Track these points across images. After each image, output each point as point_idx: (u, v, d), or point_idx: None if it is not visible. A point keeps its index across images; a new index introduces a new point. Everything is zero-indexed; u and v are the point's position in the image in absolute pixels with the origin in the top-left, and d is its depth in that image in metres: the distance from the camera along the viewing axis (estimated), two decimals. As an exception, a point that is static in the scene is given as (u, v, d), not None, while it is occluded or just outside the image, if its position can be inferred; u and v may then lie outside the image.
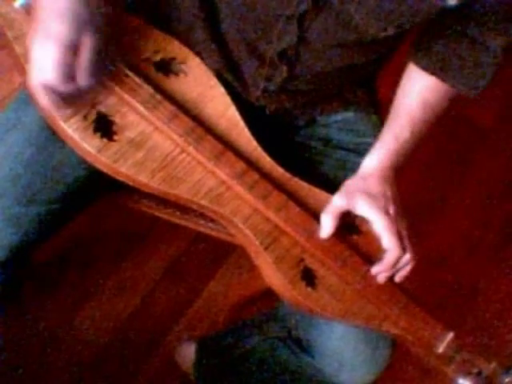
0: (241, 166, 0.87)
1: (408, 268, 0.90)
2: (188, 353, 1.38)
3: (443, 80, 0.95)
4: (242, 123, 0.90)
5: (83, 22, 0.76)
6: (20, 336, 1.39)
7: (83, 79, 0.78)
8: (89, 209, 1.02)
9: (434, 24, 0.91)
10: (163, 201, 1.04)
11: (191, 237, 1.56)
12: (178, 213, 1.12)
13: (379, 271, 0.89)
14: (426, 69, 0.95)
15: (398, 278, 0.91)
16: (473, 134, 1.92)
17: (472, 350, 0.92)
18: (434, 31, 0.93)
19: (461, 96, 0.98)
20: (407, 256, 0.90)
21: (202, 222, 1.12)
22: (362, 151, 1.04)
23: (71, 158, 0.90)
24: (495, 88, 0.98)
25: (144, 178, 0.84)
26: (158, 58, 0.89)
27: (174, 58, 0.90)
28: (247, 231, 0.86)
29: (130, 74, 0.85)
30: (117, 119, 0.85)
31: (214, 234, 1.13)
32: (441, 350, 0.91)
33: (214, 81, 0.91)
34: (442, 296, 1.62)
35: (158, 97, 0.86)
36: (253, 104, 0.98)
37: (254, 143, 0.90)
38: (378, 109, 1.10)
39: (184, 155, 0.86)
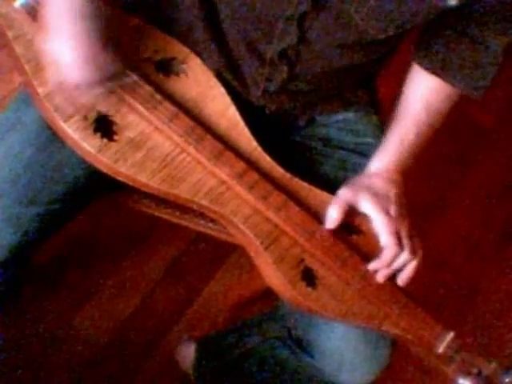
0: (241, 166, 0.87)
1: (410, 269, 0.90)
2: (188, 353, 1.38)
3: (444, 80, 0.95)
4: (242, 123, 0.90)
5: (96, 20, 0.79)
6: (20, 336, 1.38)
7: (106, 68, 0.81)
8: (89, 209, 1.02)
9: (434, 24, 0.91)
10: (163, 201, 1.04)
11: (191, 237, 1.56)
12: (177, 213, 1.12)
13: (375, 267, 0.89)
14: (427, 68, 0.96)
15: (400, 281, 0.91)
16: (473, 134, 1.92)
17: (472, 349, 0.92)
18: (434, 31, 0.93)
19: (463, 97, 0.98)
20: (405, 255, 0.90)
21: (202, 222, 1.12)
22: (362, 151, 1.04)
23: (71, 158, 0.90)
24: (495, 88, 0.98)
25: (144, 178, 0.84)
26: (158, 57, 0.89)
27: (174, 58, 0.90)
28: (247, 231, 0.86)
29: (130, 73, 0.85)
30: (117, 119, 0.85)
31: (214, 234, 1.13)
32: (441, 350, 0.91)
33: (214, 81, 0.91)
34: (442, 296, 1.62)
35: (158, 97, 0.86)
36: (253, 104, 0.98)
37: (254, 143, 0.90)
38: (378, 109, 1.10)
39: (184, 155, 0.86)
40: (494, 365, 0.92)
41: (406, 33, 0.90)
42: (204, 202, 0.86)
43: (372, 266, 0.89)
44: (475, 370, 0.91)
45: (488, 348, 1.56)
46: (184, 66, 0.90)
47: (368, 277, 0.89)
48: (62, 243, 1.44)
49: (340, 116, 1.07)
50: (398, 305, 0.90)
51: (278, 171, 0.90)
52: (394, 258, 0.89)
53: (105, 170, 0.85)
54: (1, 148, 0.93)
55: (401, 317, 0.90)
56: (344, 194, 0.91)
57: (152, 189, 0.85)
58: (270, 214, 0.87)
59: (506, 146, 1.92)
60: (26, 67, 0.84)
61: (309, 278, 0.87)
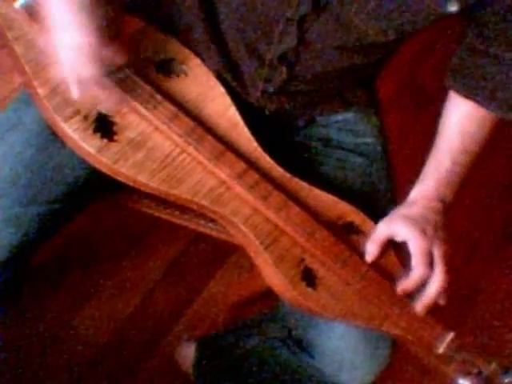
0: (241, 166, 0.87)
1: (436, 291, 0.89)
2: (188, 353, 1.38)
3: (479, 103, 0.94)
4: (242, 123, 0.90)
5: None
6: (20, 336, 1.38)
7: (118, 56, 0.82)
8: (89, 209, 1.02)
9: (464, 47, 0.91)
10: (163, 201, 1.04)
11: (191, 237, 1.56)
12: (177, 213, 1.12)
13: (403, 288, 0.89)
14: (460, 92, 0.94)
15: (417, 308, 0.90)
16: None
17: (472, 350, 0.92)
18: (464, 54, 0.92)
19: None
20: (436, 278, 0.89)
21: (202, 222, 1.12)
22: (361, 151, 1.04)
23: (71, 158, 0.90)
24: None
25: (144, 179, 0.84)
26: (158, 58, 0.89)
27: (174, 59, 0.90)
28: (247, 231, 0.86)
29: (131, 73, 0.85)
30: (117, 119, 0.85)
31: (213, 234, 1.13)
32: (441, 350, 0.91)
33: (214, 81, 0.91)
34: (442, 296, 1.62)
35: (159, 97, 0.86)
36: (252, 104, 0.98)
37: (254, 143, 0.90)
38: (378, 109, 1.10)
39: (184, 155, 0.86)
40: (493, 365, 0.91)
41: (406, 36, 0.90)
42: (204, 202, 0.86)
43: (400, 286, 0.89)
44: (475, 370, 0.91)
45: (488, 348, 1.55)
46: (184, 67, 0.90)
47: (368, 277, 0.89)
48: (62, 243, 1.44)
49: (340, 116, 1.07)
50: (398, 305, 0.90)
51: (278, 171, 0.90)
52: (421, 279, 0.88)
53: (105, 171, 0.85)
54: (1, 148, 0.93)
55: (401, 317, 0.90)
56: (381, 228, 0.91)
57: (152, 189, 0.85)
58: (270, 214, 0.87)
59: (506, 146, 1.92)
60: (26, 67, 0.84)
61: (309, 278, 0.87)
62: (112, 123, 0.84)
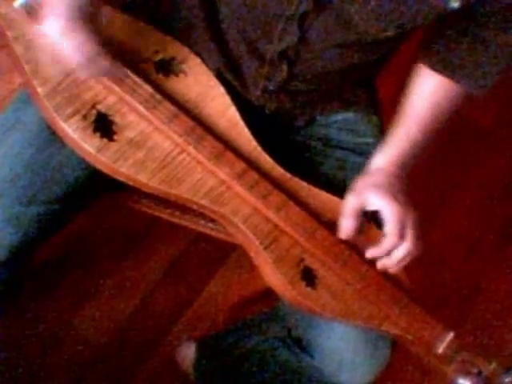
0: (241, 165, 0.87)
1: (407, 259, 0.90)
2: (188, 353, 1.38)
3: (455, 80, 0.95)
4: (241, 123, 0.90)
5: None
6: (20, 336, 1.38)
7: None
8: (89, 209, 1.02)
9: (444, 24, 0.91)
10: (163, 201, 1.04)
11: (191, 237, 1.56)
12: (177, 213, 1.12)
13: (374, 255, 0.89)
14: (433, 67, 0.95)
15: (392, 269, 0.90)
16: (473, 134, 1.92)
17: (472, 349, 0.92)
18: (444, 32, 0.93)
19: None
20: (405, 245, 0.89)
21: (202, 221, 1.12)
22: (361, 151, 1.04)
23: (71, 158, 0.90)
24: (495, 89, 0.98)
25: (144, 178, 0.84)
26: (158, 58, 0.89)
27: (174, 58, 0.90)
28: (247, 231, 0.86)
29: (130, 73, 0.85)
30: (117, 119, 0.85)
31: (213, 234, 1.13)
32: (441, 350, 0.91)
33: (214, 81, 0.91)
34: (442, 296, 1.62)
35: (158, 97, 0.86)
36: (253, 104, 0.98)
37: (254, 143, 0.90)
38: (378, 109, 1.10)
39: (184, 155, 0.86)
40: (494, 365, 0.92)
41: (406, 33, 0.90)
42: (204, 202, 0.86)
43: (370, 252, 0.89)
44: (475, 370, 0.91)
45: (488, 348, 1.55)
46: (184, 66, 0.90)
47: (368, 277, 0.89)
48: (61, 243, 1.44)
49: (340, 116, 1.07)
50: (398, 305, 0.90)
51: (278, 171, 0.90)
52: (393, 246, 0.89)
53: (105, 170, 0.85)
54: (1, 148, 0.93)
55: (401, 317, 0.90)
56: (350, 200, 0.90)
57: (152, 189, 0.85)
58: (270, 214, 0.87)
59: (506, 146, 1.92)
60: (26, 67, 0.84)
61: (309, 277, 0.87)
62: (112, 123, 0.84)
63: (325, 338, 0.98)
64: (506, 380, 0.91)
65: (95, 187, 0.98)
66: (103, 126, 0.84)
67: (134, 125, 0.85)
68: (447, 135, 1.78)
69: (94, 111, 0.84)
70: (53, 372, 1.38)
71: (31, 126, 0.93)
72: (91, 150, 0.83)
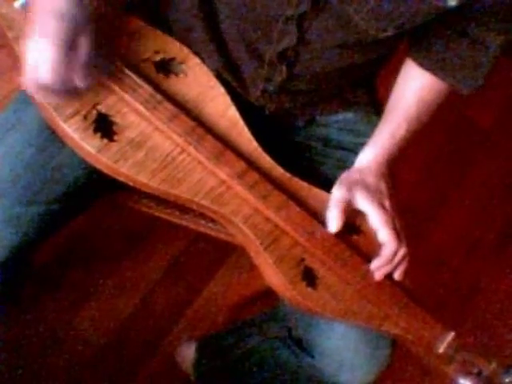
0: (241, 165, 0.87)
1: (405, 263, 0.91)
2: (188, 353, 1.38)
3: (442, 79, 0.96)
4: (241, 123, 0.90)
5: (79, 23, 0.75)
6: (20, 336, 1.38)
7: (80, 80, 0.77)
8: (89, 209, 1.02)
9: (433, 23, 0.91)
10: (163, 201, 1.04)
11: (191, 237, 1.56)
12: (177, 213, 1.12)
13: (378, 266, 0.89)
14: (425, 67, 0.96)
15: (397, 276, 0.91)
16: (473, 134, 1.92)
17: (472, 350, 0.92)
18: (433, 30, 0.93)
19: (462, 97, 0.98)
20: (404, 249, 0.90)
21: (202, 221, 1.12)
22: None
23: (71, 158, 0.90)
24: (496, 89, 0.98)
25: (144, 178, 0.84)
26: (158, 58, 0.89)
27: (173, 58, 0.90)
28: (247, 231, 0.86)
29: (130, 74, 0.85)
30: (117, 119, 0.85)
31: (213, 234, 1.13)
32: (441, 349, 0.91)
33: (214, 81, 0.91)
34: (442, 296, 1.62)
35: (158, 97, 0.86)
36: (252, 104, 0.98)
37: (254, 143, 0.90)
38: (378, 109, 1.10)
39: (184, 155, 0.86)
40: (494, 365, 0.92)
41: (405, 33, 0.90)
42: (204, 202, 0.86)
43: (374, 265, 0.89)
44: (475, 370, 0.91)
45: (488, 348, 1.56)
46: (184, 66, 0.90)
47: (368, 277, 0.89)
48: (62, 243, 1.44)
49: (340, 116, 1.07)
50: (398, 305, 0.90)
51: (278, 171, 0.90)
52: (394, 253, 0.89)
53: (105, 171, 0.85)
54: (1, 148, 0.93)
55: (401, 317, 0.90)
56: (339, 193, 0.90)
57: (152, 189, 0.85)
58: (270, 214, 0.87)
59: (505, 146, 1.92)
60: (23, 67, 0.84)
61: (309, 277, 0.87)
62: (112, 123, 0.84)
63: (325, 338, 0.98)
64: (506, 380, 0.91)
65: (95, 187, 0.98)
66: (104, 126, 0.84)
67: (135, 125, 0.85)
68: (447, 135, 1.80)
69: (94, 111, 0.84)
70: (53, 372, 1.38)
71: (31, 126, 0.93)
72: (91, 150, 0.83)
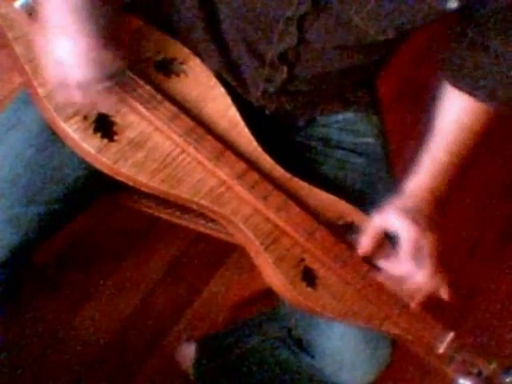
0: (241, 166, 0.87)
1: (424, 290, 0.89)
2: (188, 353, 1.38)
3: (477, 98, 0.94)
4: (242, 123, 0.90)
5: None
6: (20, 336, 1.38)
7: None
8: (89, 209, 1.02)
9: (460, 41, 0.91)
10: (163, 201, 1.04)
11: (191, 237, 1.56)
12: (177, 213, 1.12)
13: (386, 277, 0.89)
14: (461, 89, 0.94)
15: (412, 304, 0.90)
16: (473, 134, 1.92)
17: (472, 349, 0.92)
18: (462, 49, 0.92)
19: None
20: (421, 274, 0.88)
21: (202, 221, 1.12)
22: (361, 151, 1.04)
23: (71, 158, 0.90)
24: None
25: (144, 179, 0.84)
26: (158, 58, 0.89)
27: (174, 59, 0.90)
28: (247, 231, 0.86)
29: (131, 74, 0.85)
30: (117, 119, 0.85)
31: (213, 234, 1.13)
32: (441, 350, 0.91)
33: (215, 81, 0.91)
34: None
35: (159, 97, 0.86)
36: (253, 104, 0.98)
37: (255, 143, 0.90)
38: (378, 109, 1.10)
39: (184, 155, 0.86)
40: (494, 365, 0.92)
41: (406, 34, 0.90)
42: (204, 202, 0.86)
43: (383, 264, 0.89)
44: (475, 370, 0.91)
45: (488, 348, 1.55)
46: (184, 67, 0.90)
47: (368, 277, 0.89)
48: (61, 243, 1.44)
49: (340, 116, 1.07)
50: (398, 305, 0.90)
51: (278, 171, 0.90)
52: (406, 271, 0.88)
53: (105, 171, 0.85)
54: (1, 148, 0.93)
55: (401, 317, 0.90)
56: (374, 220, 0.90)
57: (152, 189, 0.85)
58: (270, 214, 0.87)
59: (505, 145, 1.92)
60: (26, 67, 0.84)
61: (309, 277, 0.87)
62: (112, 123, 0.84)
63: (325, 338, 0.98)
64: (506, 380, 0.91)
65: (95, 187, 0.98)
66: (104, 126, 0.84)
67: (135, 125, 0.85)
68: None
69: (94, 112, 0.84)
70: (53, 372, 1.38)
71: (31, 126, 0.93)
72: (92, 150, 0.83)
